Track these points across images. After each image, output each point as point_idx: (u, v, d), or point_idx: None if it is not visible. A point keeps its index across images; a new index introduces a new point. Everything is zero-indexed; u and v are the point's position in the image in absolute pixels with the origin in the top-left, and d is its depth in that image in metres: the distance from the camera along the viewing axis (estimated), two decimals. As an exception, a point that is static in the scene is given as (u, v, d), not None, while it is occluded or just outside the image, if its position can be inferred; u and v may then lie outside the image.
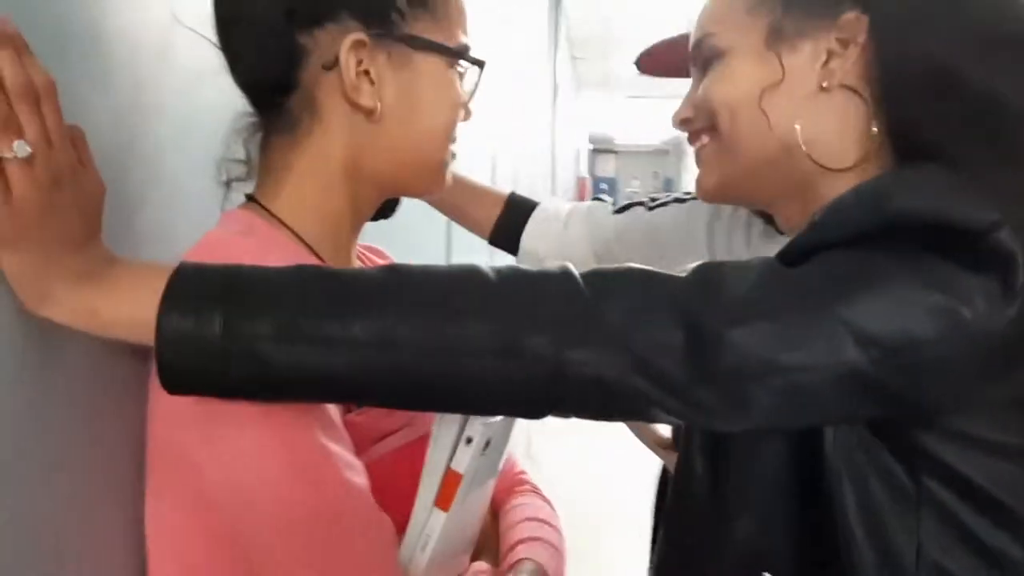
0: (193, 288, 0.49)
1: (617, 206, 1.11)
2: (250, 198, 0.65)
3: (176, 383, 0.49)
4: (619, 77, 9.68)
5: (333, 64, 0.60)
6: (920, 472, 0.54)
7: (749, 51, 0.64)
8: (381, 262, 0.84)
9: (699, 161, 0.70)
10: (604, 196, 1.21)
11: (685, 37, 0.73)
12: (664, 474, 0.85)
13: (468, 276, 0.52)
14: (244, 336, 0.48)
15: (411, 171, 0.66)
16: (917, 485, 0.54)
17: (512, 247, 1.12)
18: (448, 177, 0.70)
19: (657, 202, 1.07)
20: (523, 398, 0.51)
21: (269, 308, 0.49)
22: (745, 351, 0.49)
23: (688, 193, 1.06)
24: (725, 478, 0.62)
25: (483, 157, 2.49)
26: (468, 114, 0.69)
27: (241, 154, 0.65)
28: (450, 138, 0.67)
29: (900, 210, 0.52)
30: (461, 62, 0.66)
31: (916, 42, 0.58)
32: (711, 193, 0.70)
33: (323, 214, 0.64)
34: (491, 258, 2.88)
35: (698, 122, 0.69)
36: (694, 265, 0.54)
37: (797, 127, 0.61)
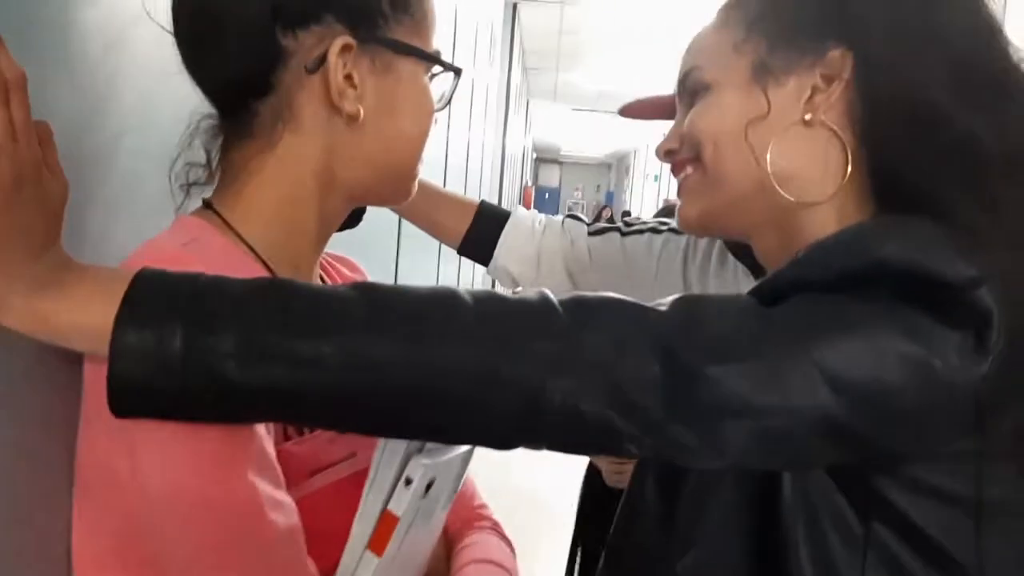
0: (152, 298, 0.46)
1: (592, 225, 1.08)
2: (207, 204, 0.61)
3: (126, 401, 0.46)
4: (567, 90, 9.75)
5: (317, 67, 0.57)
6: (871, 516, 0.55)
7: (735, 85, 0.64)
8: (349, 274, 0.80)
9: (681, 192, 0.70)
10: (578, 214, 1.16)
11: (670, 96, 0.74)
12: (589, 481, 0.82)
13: (445, 299, 0.50)
14: (205, 352, 0.45)
15: (385, 180, 0.64)
16: (867, 529, 0.55)
17: (483, 258, 1.09)
18: (415, 187, 0.68)
19: (632, 228, 1.06)
20: (497, 427, 0.50)
21: (234, 323, 0.46)
22: (722, 389, 0.49)
23: (663, 223, 1.04)
24: (677, 508, 0.62)
25: (435, 163, 2.45)
26: (435, 121, 0.67)
27: (202, 156, 0.60)
28: (423, 143, 0.65)
29: (882, 258, 0.52)
30: (434, 68, 0.64)
31: (899, 81, 0.58)
32: (693, 224, 0.70)
33: (285, 225, 0.60)
34: (439, 259, 2.82)
35: (682, 153, 0.69)
36: (674, 298, 0.53)
37: (768, 159, 0.61)
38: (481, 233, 1.07)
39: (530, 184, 14.80)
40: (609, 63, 7.79)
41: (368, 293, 0.49)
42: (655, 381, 0.49)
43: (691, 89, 0.67)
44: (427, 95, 0.63)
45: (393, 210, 1.09)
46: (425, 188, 1.07)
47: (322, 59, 0.57)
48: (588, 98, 10.39)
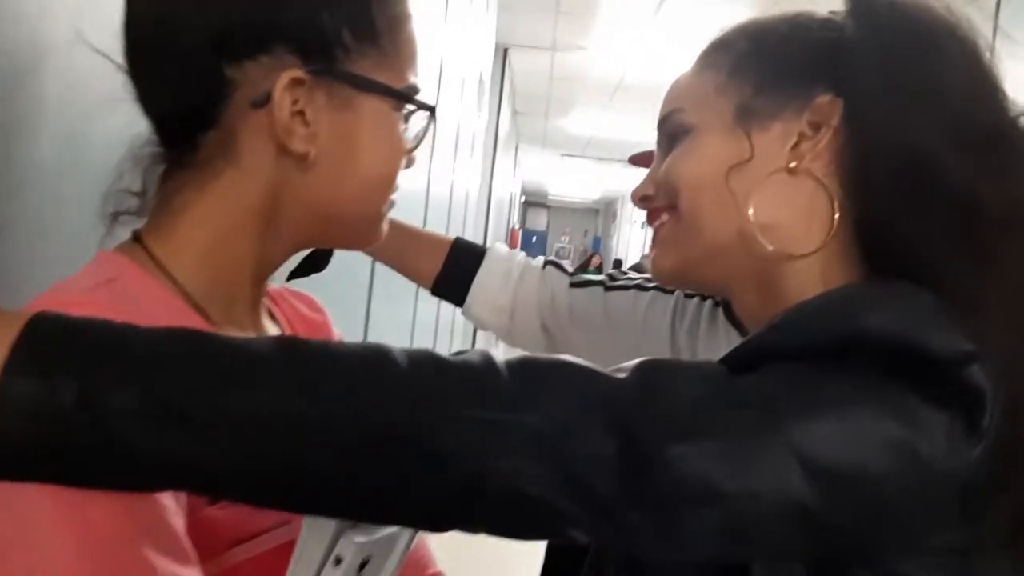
0: (47, 345, 0.41)
1: (574, 276, 1.03)
2: (136, 237, 0.56)
3: (5, 461, 0.40)
4: (556, 135, 9.83)
5: (264, 102, 0.53)
6: None
7: (717, 128, 0.60)
8: (308, 312, 0.75)
9: (656, 241, 0.66)
10: (561, 261, 1.11)
11: None
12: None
13: (375, 360, 0.45)
14: (101, 408, 0.40)
15: (338, 224, 0.60)
16: None
17: (457, 299, 1.04)
18: (384, 229, 0.63)
19: (616, 283, 1.00)
20: (428, 508, 0.45)
21: (137, 376, 0.41)
22: (684, 472, 0.44)
23: (650, 280, 1.00)
24: None
25: (415, 201, 2.44)
26: (412, 162, 0.63)
27: (136, 184, 0.56)
28: (390, 186, 0.61)
29: (867, 329, 0.48)
30: (408, 106, 0.60)
31: (890, 131, 0.54)
32: (667, 275, 0.66)
33: (219, 264, 0.56)
34: (415, 301, 2.74)
35: (658, 200, 0.66)
36: (635, 363, 0.49)
37: (751, 209, 0.58)
38: (454, 273, 1.02)
39: (517, 227, 14.83)
40: (599, 110, 7.86)
41: (289, 349, 0.45)
42: (609, 461, 0.44)
43: (670, 132, 0.64)
44: (394, 135, 0.59)
45: (363, 250, 1.06)
46: (396, 226, 1.03)
47: (269, 94, 0.53)
48: (577, 144, 10.47)
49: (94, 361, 0.41)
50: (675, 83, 0.67)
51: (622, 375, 0.48)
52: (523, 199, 18.57)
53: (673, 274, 0.65)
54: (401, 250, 1.03)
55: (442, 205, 3.20)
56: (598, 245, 20.28)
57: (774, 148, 0.58)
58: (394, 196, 0.63)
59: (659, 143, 0.67)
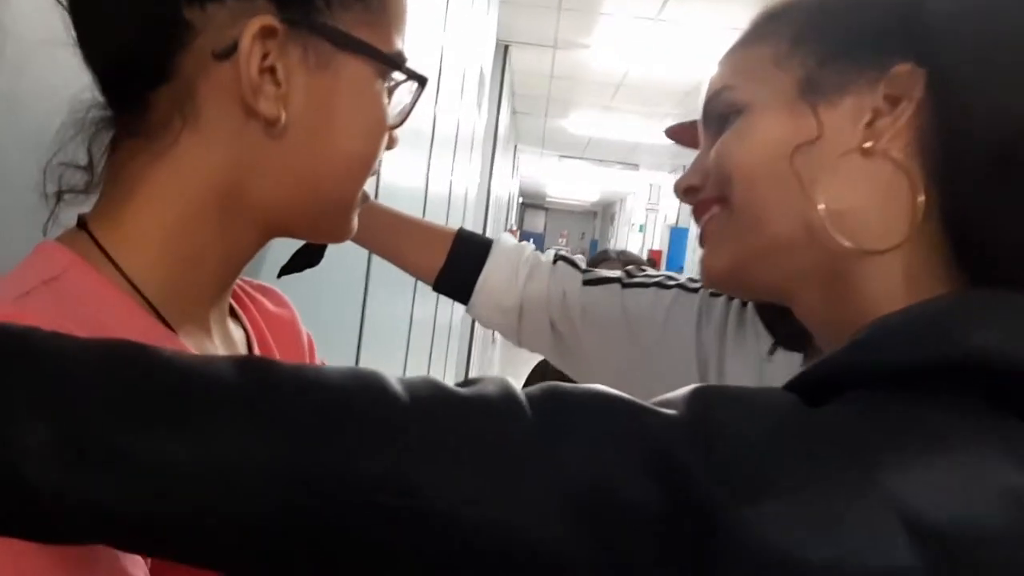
0: None
1: (588, 272, 0.94)
2: (81, 224, 0.49)
3: None
4: (555, 136, 9.76)
5: (229, 53, 0.46)
6: None
7: (777, 105, 0.52)
8: (273, 309, 0.66)
9: (705, 239, 0.58)
10: (572, 256, 1.02)
11: None
12: None
13: (365, 391, 0.37)
14: (4, 445, 0.33)
15: (311, 208, 0.52)
16: None
17: (462, 297, 0.95)
18: (355, 223, 0.56)
19: (635, 280, 0.92)
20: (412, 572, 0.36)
21: (53, 407, 0.33)
22: (753, 539, 0.35)
23: (671, 278, 0.92)
24: None
25: (415, 200, 2.35)
26: (393, 141, 0.55)
27: (81, 157, 0.48)
28: (369, 167, 0.53)
29: (973, 349, 0.40)
30: (394, 75, 0.53)
31: (988, 107, 0.46)
32: (720, 278, 0.57)
33: (178, 255, 0.49)
34: (412, 298, 2.67)
35: (707, 191, 0.57)
36: (686, 393, 0.40)
37: (820, 196, 0.49)
38: (458, 269, 0.94)
39: (515, 228, 14.78)
40: (599, 111, 7.79)
41: (256, 374, 0.36)
42: (656, 518, 0.35)
43: (720, 113, 0.56)
44: (377, 106, 0.52)
45: (358, 243, 0.98)
46: (395, 216, 0.95)
47: (236, 43, 0.45)
48: (577, 145, 10.40)
49: (3, 383, 0.33)
50: (724, 58, 0.58)
51: (671, 411, 0.39)
52: (520, 200, 18.52)
53: (727, 276, 0.56)
54: (400, 241, 0.95)
55: (440, 204, 3.12)
56: (595, 248, 20.23)
57: (845, 126, 0.50)
58: (365, 187, 0.55)
59: (705, 127, 0.58)
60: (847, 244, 0.49)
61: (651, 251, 12.01)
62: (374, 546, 0.35)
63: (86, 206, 0.50)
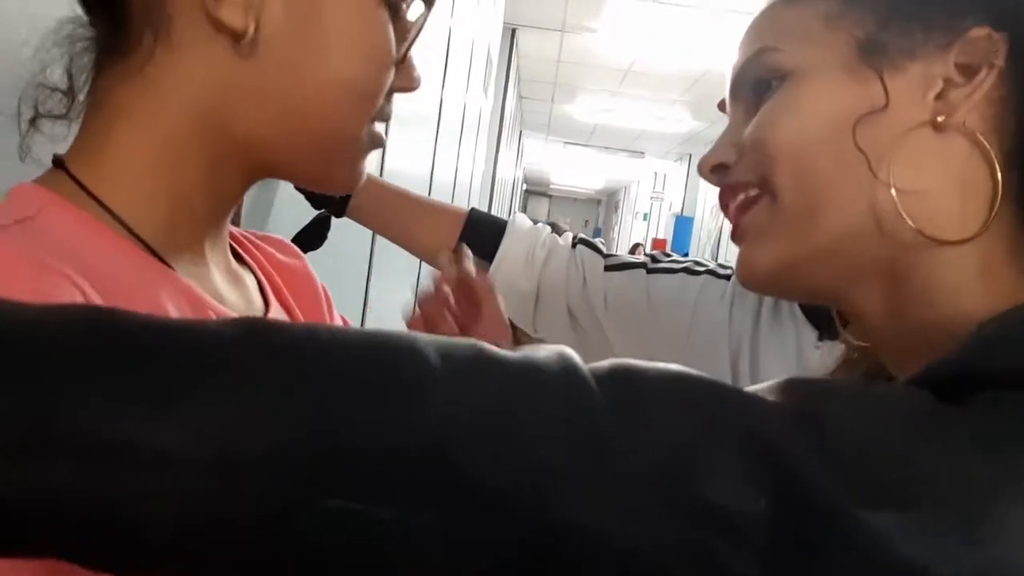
0: None
1: (610, 257, 0.89)
2: (57, 163, 0.45)
3: None
4: (561, 122, 9.68)
5: None
6: None
7: (833, 69, 0.45)
8: (284, 259, 0.61)
9: (742, 233, 0.49)
10: (594, 240, 0.96)
11: None
12: None
13: (394, 356, 0.31)
14: None
15: (300, 144, 0.47)
16: None
17: None
18: (362, 169, 0.51)
19: (660, 265, 0.87)
20: None
21: (7, 386, 0.27)
22: (882, 552, 0.29)
23: (700, 263, 0.87)
24: None
25: (420, 185, 2.29)
26: (412, 80, 0.50)
27: (61, 79, 0.45)
28: (368, 102, 0.47)
29: None
30: (402, 3, 0.47)
31: None
32: (764, 280, 0.49)
33: (165, 190, 0.45)
34: (418, 284, 2.68)
35: (740, 173, 0.49)
36: (781, 382, 0.35)
37: (891, 176, 0.43)
38: (471, 250, 0.90)
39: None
40: (606, 97, 7.71)
41: (260, 336, 0.30)
42: (760, 522, 0.29)
43: (758, 78, 0.48)
44: (374, 28, 0.46)
45: (361, 222, 0.92)
46: (402, 195, 0.90)
47: None
48: (582, 132, 10.32)
49: None
50: (759, 18, 0.50)
51: (768, 396, 0.34)
52: (524, 188, 18.46)
53: (773, 278, 0.48)
54: (407, 221, 0.89)
55: (446, 190, 3.07)
56: (599, 237, 20.20)
57: (912, 96, 0.44)
58: (379, 127, 0.50)
59: (736, 96, 0.51)
60: (921, 232, 0.43)
61: (655, 240, 11.95)
62: (408, 552, 0.28)
63: (69, 135, 0.46)
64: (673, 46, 5.36)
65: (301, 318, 0.61)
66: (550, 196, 21.78)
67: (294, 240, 0.76)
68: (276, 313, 0.55)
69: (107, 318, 0.30)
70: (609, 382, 0.32)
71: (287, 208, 0.97)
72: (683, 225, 10.58)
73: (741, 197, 0.49)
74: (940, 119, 0.43)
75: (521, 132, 10.55)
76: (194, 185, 0.46)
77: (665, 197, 12.25)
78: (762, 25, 0.50)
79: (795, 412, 0.33)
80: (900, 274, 0.45)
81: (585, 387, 0.31)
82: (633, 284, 0.86)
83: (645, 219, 13.83)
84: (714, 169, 0.51)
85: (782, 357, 0.78)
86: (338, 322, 0.66)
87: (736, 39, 0.52)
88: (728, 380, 0.80)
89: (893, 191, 0.43)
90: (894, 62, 0.44)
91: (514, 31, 5.67)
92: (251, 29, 0.43)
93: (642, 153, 10.98)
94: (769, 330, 0.79)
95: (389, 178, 1.84)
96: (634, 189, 15.08)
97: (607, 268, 0.88)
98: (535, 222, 0.95)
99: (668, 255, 0.90)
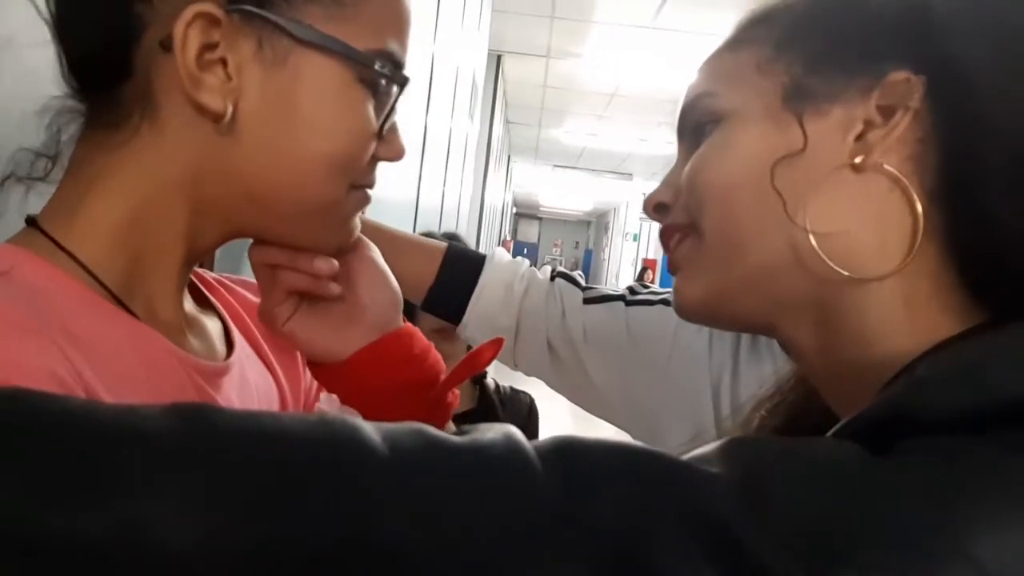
0: None
1: (588, 290, 0.88)
2: (30, 222, 0.47)
3: None
4: (549, 146, 9.74)
5: (171, 44, 0.44)
6: None
7: (758, 113, 0.47)
8: (252, 298, 0.61)
9: (675, 265, 0.52)
10: (571, 273, 0.95)
11: None
12: None
13: (338, 443, 0.31)
14: None
15: (279, 211, 0.49)
16: None
17: (453, 315, 0.89)
18: (351, 227, 0.54)
19: (639, 297, 0.86)
20: None
21: None
22: None
23: None
24: None
25: (405, 211, 2.31)
26: (395, 151, 0.52)
27: (46, 146, 0.48)
28: (345, 176, 0.50)
29: None
30: (379, 77, 0.49)
31: (1002, 118, 0.41)
32: (695, 310, 0.51)
33: (137, 246, 0.48)
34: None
35: (676, 214, 0.52)
36: (721, 446, 0.35)
37: (807, 217, 0.44)
38: (449, 286, 0.88)
39: (509, 238, 14.75)
40: (593, 120, 7.77)
41: (193, 419, 0.30)
42: None
43: (697, 123, 0.51)
44: (347, 106, 0.48)
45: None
46: (377, 230, 0.89)
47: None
48: (570, 155, 10.38)
49: None
50: (704, 63, 0.53)
51: (710, 466, 0.34)
52: (514, 210, 18.51)
53: (703, 308, 0.50)
54: (386, 257, 0.90)
55: (432, 215, 3.08)
56: (589, 258, 20.22)
57: (833, 139, 0.45)
58: (369, 192, 0.53)
59: (681, 138, 0.53)
60: (840, 270, 0.44)
61: (645, 260, 11.98)
62: None
63: (45, 195, 0.49)
64: (656, 70, 5.41)
65: (271, 358, 0.62)
66: (540, 218, 21.82)
67: None
68: (241, 355, 0.57)
69: (37, 401, 0.29)
70: (553, 460, 0.33)
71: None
72: (672, 245, 10.57)
73: (677, 236, 0.52)
74: (858, 160, 0.44)
75: (510, 156, 10.60)
76: (163, 244, 0.49)
77: (654, 218, 12.24)
78: (704, 71, 0.52)
79: (737, 482, 0.33)
80: (827, 308, 0.46)
81: (530, 469, 0.32)
82: (612, 317, 0.86)
83: (635, 240, 13.87)
84: (656, 208, 0.54)
85: (760, 386, 0.78)
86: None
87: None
88: (710, 414, 0.80)
89: (809, 229, 0.44)
90: (817, 106, 0.45)
91: (500, 57, 5.73)
92: (229, 111, 0.45)
93: (630, 175, 11.05)
94: (748, 363, 0.79)
95: (373, 205, 1.85)
96: (623, 210, 15.14)
97: (586, 301, 0.87)
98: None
99: (646, 287, 0.90)
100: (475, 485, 0.31)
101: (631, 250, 13.94)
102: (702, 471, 0.33)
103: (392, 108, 0.51)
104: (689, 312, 0.51)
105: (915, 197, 0.43)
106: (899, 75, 0.44)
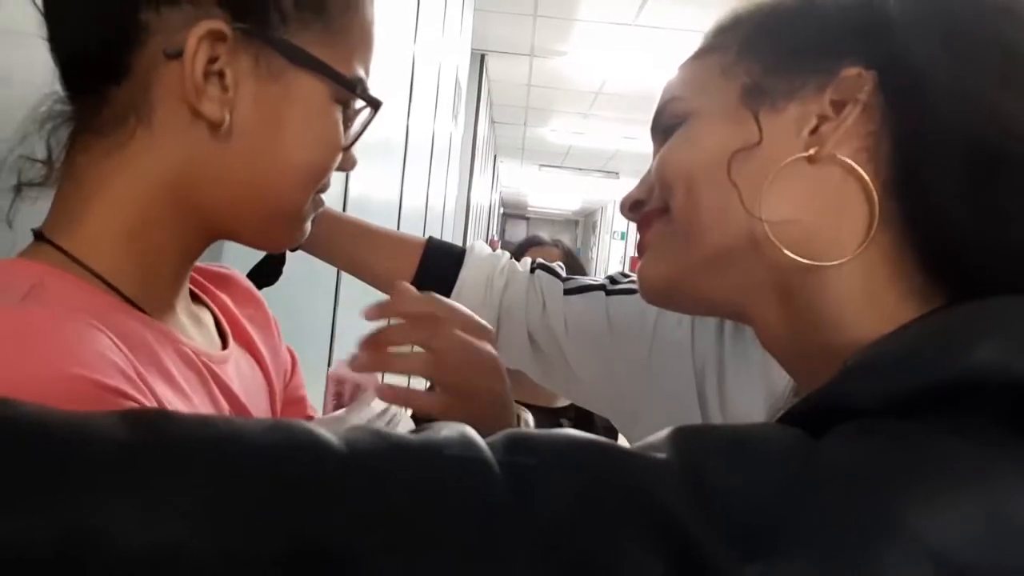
0: None
1: (568, 280, 0.88)
2: (39, 236, 0.50)
3: None
4: (535, 145, 9.74)
5: (179, 53, 0.48)
6: None
7: (719, 111, 0.50)
8: (239, 290, 0.65)
9: (643, 247, 0.55)
10: (551, 264, 0.94)
11: None
12: None
13: (292, 445, 0.32)
14: None
15: (256, 214, 0.54)
16: None
17: None
18: (306, 229, 0.57)
19: (619, 286, 0.85)
20: None
21: None
22: None
23: None
24: None
25: (388, 212, 2.29)
26: (351, 162, 0.58)
27: (40, 151, 0.50)
28: (317, 184, 0.55)
29: (979, 365, 0.36)
30: (352, 98, 0.54)
31: (961, 105, 0.43)
32: (657, 290, 0.54)
33: (140, 252, 0.51)
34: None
35: (651, 204, 0.54)
36: (667, 435, 0.36)
37: (761, 203, 0.46)
38: (429, 281, 0.86)
39: (496, 239, 14.77)
40: (578, 119, 7.77)
41: (146, 428, 0.31)
42: None
43: (665, 125, 0.54)
44: (327, 122, 0.53)
45: (317, 255, 0.91)
46: (358, 227, 0.89)
47: (185, 44, 0.47)
48: (557, 154, 10.39)
49: None
50: (673, 76, 0.56)
51: (656, 454, 0.35)
52: (502, 211, 18.52)
53: (664, 287, 0.53)
54: (364, 253, 0.88)
55: (416, 217, 3.07)
56: (577, 256, 20.23)
57: (788, 133, 0.47)
58: (323, 196, 0.58)
59: (654, 140, 0.56)
60: (795, 257, 0.46)
61: (633, 259, 12.00)
62: None
63: (44, 200, 0.51)
64: (640, 67, 5.42)
65: (262, 350, 0.66)
66: (528, 218, 21.87)
67: (248, 276, 0.75)
68: (233, 350, 0.61)
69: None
70: (505, 455, 0.33)
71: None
72: (660, 243, 10.61)
73: (651, 221, 0.54)
74: (812, 151, 0.46)
75: (496, 156, 10.60)
76: (162, 248, 0.52)
77: (641, 216, 12.28)
78: (674, 78, 0.55)
79: (681, 471, 0.34)
80: (789, 294, 0.47)
81: (484, 464, 0.33)
82: (592, 307, 0.85)
83: (623, 238, 13.90)
84: (632, 207, 0.56)
85: (747, 373, 0.77)
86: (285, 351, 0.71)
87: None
88: (694, 400, 0.80)
89: (763, 215, 0.46)
90: (774, 104, 0.48)
91: (483, 56, 5.72)
92: (227, 119, 0.49)
93: (616, 173, 11.07)
94: (732, 345, 0.78)
95: (354, 206, 1.82)
96: (610, 209, 15.17)
97: (566, 292, 0.87)
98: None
99: (627, 276, 0.90)
100: (430, 483, 0.32)
101: (619, 249, 13.97)
102: (649, 459, 0.34)
103: (365, 127, 0.56)
104: (650, 291, 0.54)
105: (870, 185, 0.45)
106: (851, 71, 0.46)
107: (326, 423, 0.53)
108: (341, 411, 0.56)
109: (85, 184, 0.50)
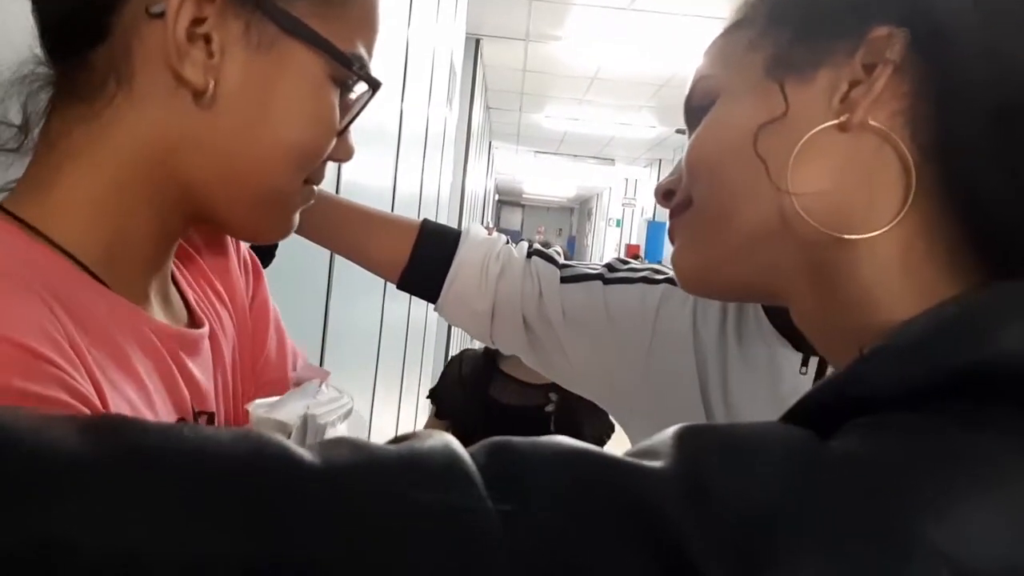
0: None
1: (566, 268, 0.86)
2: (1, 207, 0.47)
3: None
4: (530, 131, 9.70)
5: (163, 13, 0.45)
6: None
7: (744, 87, 0.48)
8: (211, 260, 0.62)
9: (673, 235, 0.54)
10: (548, 251, 0.91)
11: None
12: None
13: (261, 455, 0.30)
14: None
15: (238, 195, 0.50)
16: None
17: (429, 293, 0.86)
18: (294, 221, 0.55)
19: (617, 274, 0.83)
20: None
21: None
22: None
23: (659, 272, 0.84)
24: None
25: (382, 199, 2.26)
26: (347, 151, 0.55)
27: (15, 115, 0.48)
28: (307, 164, 0.52)
29: (1004, 353, 0.34)
30: (350, 76, 0.51)
31: (976, 64, 0.40)
32: (692, 279, 0.53)
33: (109, 224, 0.48)
34: (383, 298, 2.61)
35: (680, 193, 0.53)
36: (670, 436, 0.35)
37: (789, 176, 0.44)
38: (424, 264, 0.85)
39: (491, 226, 14.74)
40: (574, 105, 7.73)
41: (114, 436, 0.30)
42: None
43: (698, 106, 0.52)
44: (322, 102, 0.50)
45: (311, 238, 0.88)
46: (352, 209, 0.87)
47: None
48: (552, 141, 10.34)
49: None
50: (707, 48, 0.53)
51: (654, 462, 0.33)
52: (497, 198, 18.48)
53: (700, 276, 0.52)
54: (358, 236, 0.86)
55: (411, 203, 3.04)
56: (573, 244, 20.23)
57: (818, 102, 0.45)
58: (312, 186, 0.55)
59: (689, 126, 0.54)
60: (825, 231, 0.43)
61: (628, 246, 11.99)
62: None
63: (18, 166, 0.49)
64: (637, 52, 5.38)
65: (226, 299, 0.63)
66: (523, 205, 21.83)
67: None
68: (211, 318, 0.58)
69: None
70: (489, 465, 0.32)
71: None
72: (656, 230, 10.62)
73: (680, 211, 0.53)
74: (843, 118, 0.43)
75: (491, 142, 10.55)
76: (136, 221, 0.49)
77: (637, 203, 12.30)
78: (705, 56, 0.53)
79: (679, 478, 0.32)
80: (822, 272, 0.45)
81: (467, 475, 0.32)
82: (590, 297, 0.83)
83: (618, 225, 13.88)
84: (665, 195, 0.55)
85: (751, 363, 0.75)
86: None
87: (699, 43, 0.55)
88: (697, 395, 0.78)
89: (792, 189, 0.44)
90: (801, 73, 0.45)
91: (478, 41, 5.66)
92: (211, 87, 0.46)
93: (612, 160, 11.03)
94: (735, 334, 0.76)
95: (347, 192, 1.80)
96: (606, 196, 15.15)
97: (563, 280, 0.85)
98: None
99: (626, 263, 0.88)
100: (409, 497, 0.30)
101: (614, 236, 13.95)
102: (642, 467, 0.32)
103: (361, 109, 0.53)
104: (686, 281, 0.53)
105: (905, 151, 0.42)
106: (881, 31, 0.43)
107: (265, 408, 0.51)
108: (285, 395, 0.53)
109: (59, 150, 0.47)
